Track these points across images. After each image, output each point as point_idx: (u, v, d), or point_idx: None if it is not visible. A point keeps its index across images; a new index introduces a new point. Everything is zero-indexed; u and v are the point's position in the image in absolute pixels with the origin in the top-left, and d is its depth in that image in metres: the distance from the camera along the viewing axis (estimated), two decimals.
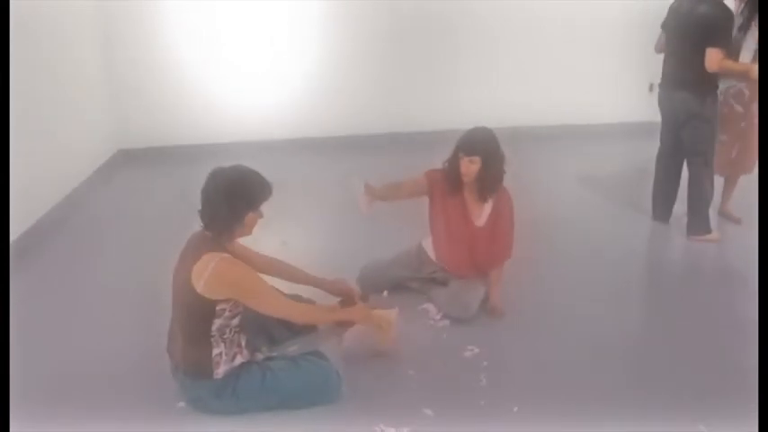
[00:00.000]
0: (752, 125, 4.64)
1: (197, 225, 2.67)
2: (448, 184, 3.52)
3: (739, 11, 4.52)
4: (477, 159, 3.36)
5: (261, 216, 2.69)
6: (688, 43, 4.31)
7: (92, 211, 5.32)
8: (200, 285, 2.50)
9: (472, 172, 3.39)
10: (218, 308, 2.56)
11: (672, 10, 4.52)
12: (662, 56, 4.66)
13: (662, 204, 4.97)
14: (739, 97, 4.58)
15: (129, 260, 4.38)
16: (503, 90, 7.74)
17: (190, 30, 6.71)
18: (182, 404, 2.77)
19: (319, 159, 6.79)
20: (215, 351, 2.62)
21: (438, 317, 3.55)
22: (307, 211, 5.30)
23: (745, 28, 4.48)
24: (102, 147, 6.48)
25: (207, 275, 2.49)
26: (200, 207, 2.63)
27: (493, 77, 7.70)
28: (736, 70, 4.33)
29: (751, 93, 4.55)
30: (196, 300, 2.52)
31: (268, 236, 3.85)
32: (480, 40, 7.55)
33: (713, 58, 4.17)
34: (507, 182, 3.55)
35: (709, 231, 4.66)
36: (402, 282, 3.81)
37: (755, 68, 4.18)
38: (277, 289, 2.82)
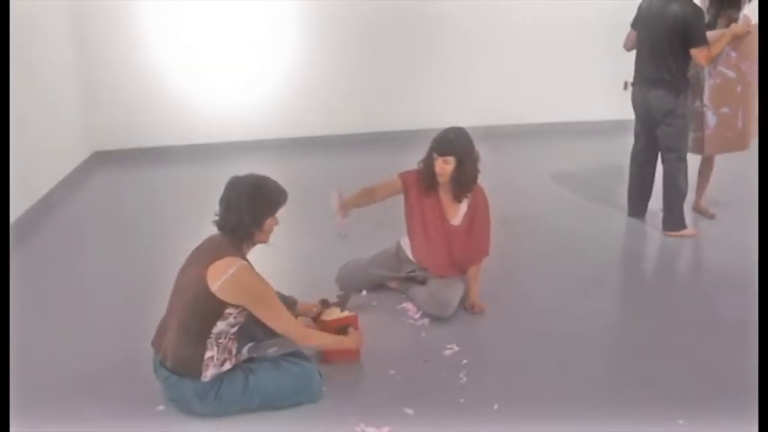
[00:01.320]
0: (747, 85, 4.67)
1: (174, 226, 2.66)
2: (423, 184, 3.54)
3: (707, 9, 4.61)
4: (451, 159, 3.38)
5: (277, 222, 2.75)
6: (661, 43, 4.39)
7: (67, 213, 5.29)
8: (215, 285, 2.53)
9: (447, 172, 3.41)
10: (226, 311, 2.58)
11: (642, 9, 4.59)
12: (634, 54, 4.72)
13: (637, 201, 5.03)
14: (727, 62, 4.60)
15: (106, 262, 4.36)
16: (478, 89, 7.79)
17: (165, 31, 6.68)
18: (161, 407, 2.76)
19: (299, 159, 6.79)
20: (208, 354, 2.62)
21: (417, 316, 3.56)
22: (287, 211, 5.27)
23: (711, 25, 4.58)
24: (78, 148, 6.43)
25: (226, 278, 2.53)
26: (217, 216, 2.68)
27: (469, 77, 7.75)
28: (722, 48, 4.43)
29: (737, 53, 4.59)
30: (206, 298, 2.54)
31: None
32: (455, 41, 7.60)
33: (701, 56, 4.29)
34: (483, 180, 3.57)
35: (684, 227, 4.72)
36: (381, 281, 3.83)
37: (733, 26, 4.40)
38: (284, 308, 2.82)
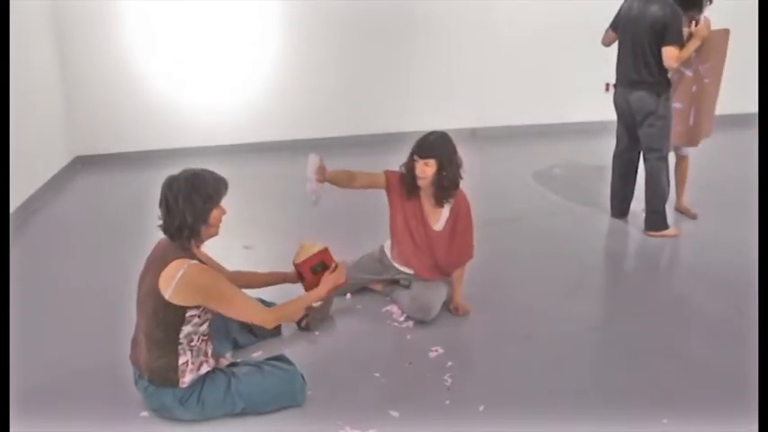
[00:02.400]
0: (703, 87, 4.75)
1: (158, 230, 2.64)
2: (405, 187, 3.50)
3: None
4: (432, 162, 3.34)
5: (224, 212, 2.68)
6: (641, 44, 4.45)
7: (49, 218, 5.24)
8: (168, 293, 2.48)
9: (428, 175, 3.36)
10: (187, 314, 2.54)
11: (622, 11, 4.63)
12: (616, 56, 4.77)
13: (619, 201, 5.06)
14: (687, 61, 4.65)
15: (88, 267, 4.32)
16: (462, 91, 7.81)
17: (145, 36, 6.64)
18: (144, 413, 2.73)
19: (278, 163, 6.77)
20: (182, 360, 2.59)
21: (401, 318, 3.56)
22: (267, 214, 5.28)
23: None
24: (60, 152, 6.37)
25: (176, 282, 2.48)
26: (160, 220, 2.61)
27: (453, 79, 7.76)
28: (692, 51, 4.51)
29: (697, 53, 4.65)
30: (164, 307, 2.50)
31: (230, 241, 3.82)
32: (439, 42, 7.61)
33: (671, 55, 4.35)
34: (467, 181, 3.56)
35: (666, 227, 4.75)
36: (365, 284, 3.82)
37: (701, 28, 4.49)
38: (246, 294, 2.80)
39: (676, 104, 4.74)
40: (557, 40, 7.84)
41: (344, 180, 3.48)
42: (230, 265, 3.10)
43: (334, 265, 3.16)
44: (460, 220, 3.55)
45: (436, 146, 3.37)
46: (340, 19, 7.18)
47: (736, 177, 5.93)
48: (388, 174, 3.57)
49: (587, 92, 7.82)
